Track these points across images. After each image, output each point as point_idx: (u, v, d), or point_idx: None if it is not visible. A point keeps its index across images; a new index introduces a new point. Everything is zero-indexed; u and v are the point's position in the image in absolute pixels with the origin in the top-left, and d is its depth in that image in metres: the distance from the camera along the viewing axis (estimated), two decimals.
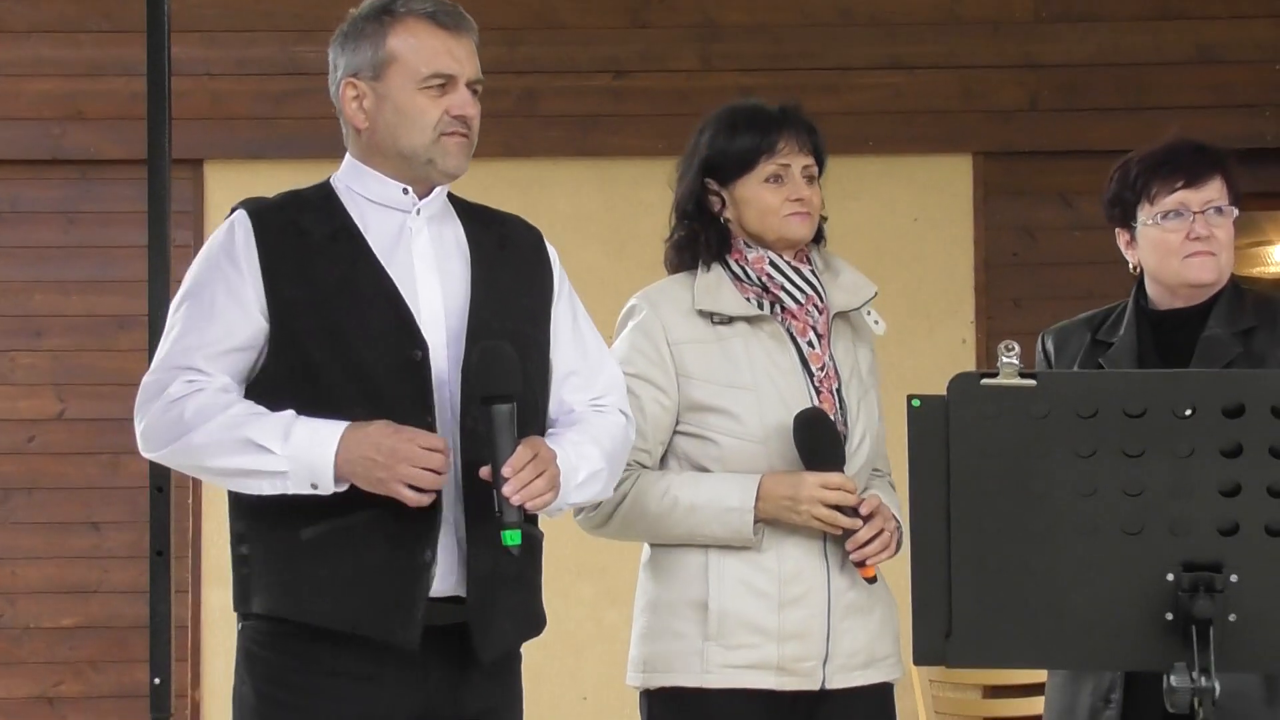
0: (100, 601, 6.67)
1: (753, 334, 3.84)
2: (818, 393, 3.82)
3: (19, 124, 6.73)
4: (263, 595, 3.34)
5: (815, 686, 3.76)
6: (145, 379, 3.36)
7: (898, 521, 3.81)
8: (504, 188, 6.67)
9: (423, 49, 3.38)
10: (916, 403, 2.75)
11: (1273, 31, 6.72)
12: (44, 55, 6.73)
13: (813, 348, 3.86)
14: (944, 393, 2.74)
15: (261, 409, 3.29)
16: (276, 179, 3.72)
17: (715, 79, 6.69)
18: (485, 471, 3.25)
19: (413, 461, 3.22)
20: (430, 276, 3.39)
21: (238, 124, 6.62)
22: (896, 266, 6.53)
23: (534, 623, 3.47)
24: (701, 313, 3.85)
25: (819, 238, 3.98)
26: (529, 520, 3.38)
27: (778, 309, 3.86)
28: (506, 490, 3.22)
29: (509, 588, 3.37)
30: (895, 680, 3.90)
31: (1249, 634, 2.68)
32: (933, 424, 2.73)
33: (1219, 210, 3.86)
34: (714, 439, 3.82)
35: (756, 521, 3.75)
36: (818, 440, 3.75)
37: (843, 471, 3.76)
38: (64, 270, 6.72)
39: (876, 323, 3.92)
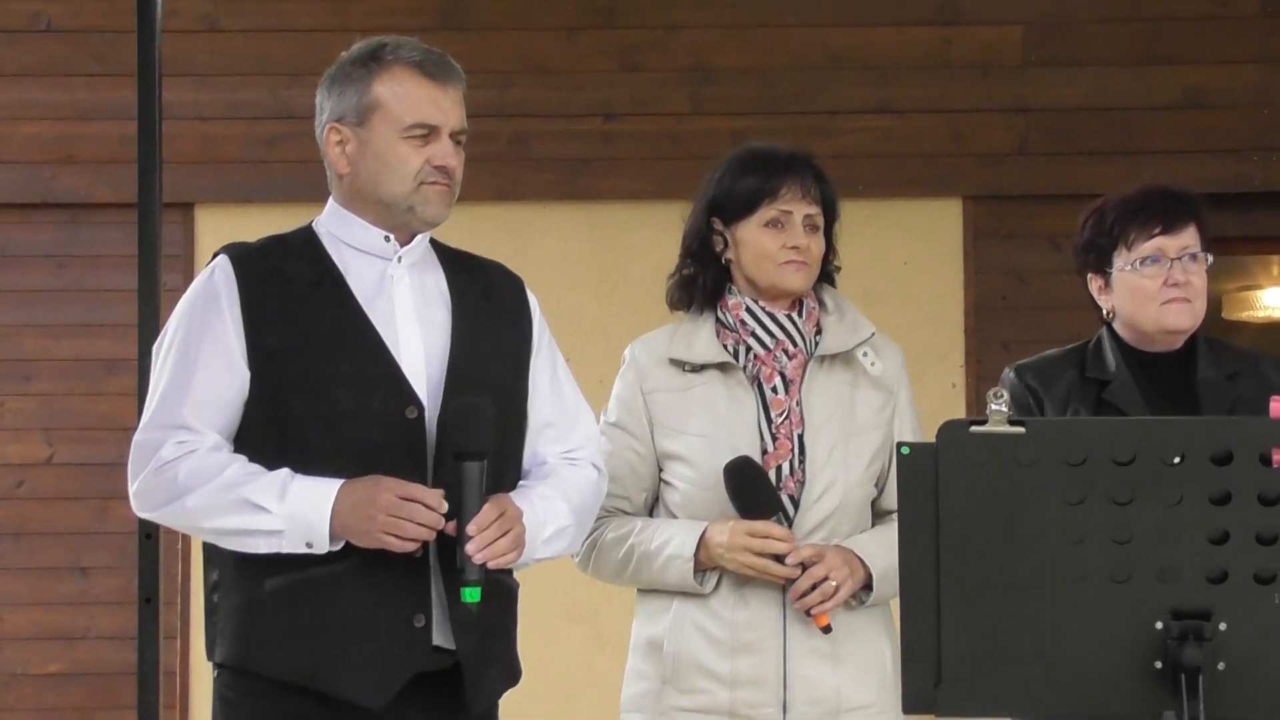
0: (88, 648, 6.65)
1: (721, 381, 3.86)
2: (774, 439, 3.83)
3: (9, 167, 6.73)
4: (225, 644, 3.34)
5: None
6: (137, 437, 3.35)
7: (867, 568, 3.79)
8: (494, 231, 6.68)
9: (408, 97, 3.38)
10: (906, 450, 2.75)
11: (1260, 76, 6.74)
12: (35, 98, 6.73)
13: (776, 393, 3.86)
14: (933, 439, 2.74)
15: (257, 468, 3.29)
16: (267, 222, 3.73)
17: (706, 122, 6.70)
18: (451, 527, 3.27)
19: (390, 511, 3.22)
20: (411, 325, 3.39)
21: (228, 167, 6.63)
22: (886, 310, 6.51)
23: (514, 672, 3.49)
24: (674, 361, 3.88)
25: (830, 281, 3.98)
26: (504, 572, 3.38)
27: (752, 355, 3.87)
28: (470, 548, 3.24)
29: (494, 637, 3.37)
30: None
31: (1238, 682, 2.67)
32: (922, 471, 2.73)
33: (1194, 257, 3.89)
34: (676, 485, 3.87)
35: (703, 569, 3.78)
36: (746, 488, 3.77)
37: (779, 518, 3.77)
38: (53, 314, 6.71)
39: (873, 364, 3.92)
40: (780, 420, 3.84)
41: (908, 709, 2.76)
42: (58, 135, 6.73)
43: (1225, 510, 2.67)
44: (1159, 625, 2.69)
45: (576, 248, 6.76)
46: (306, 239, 3.45)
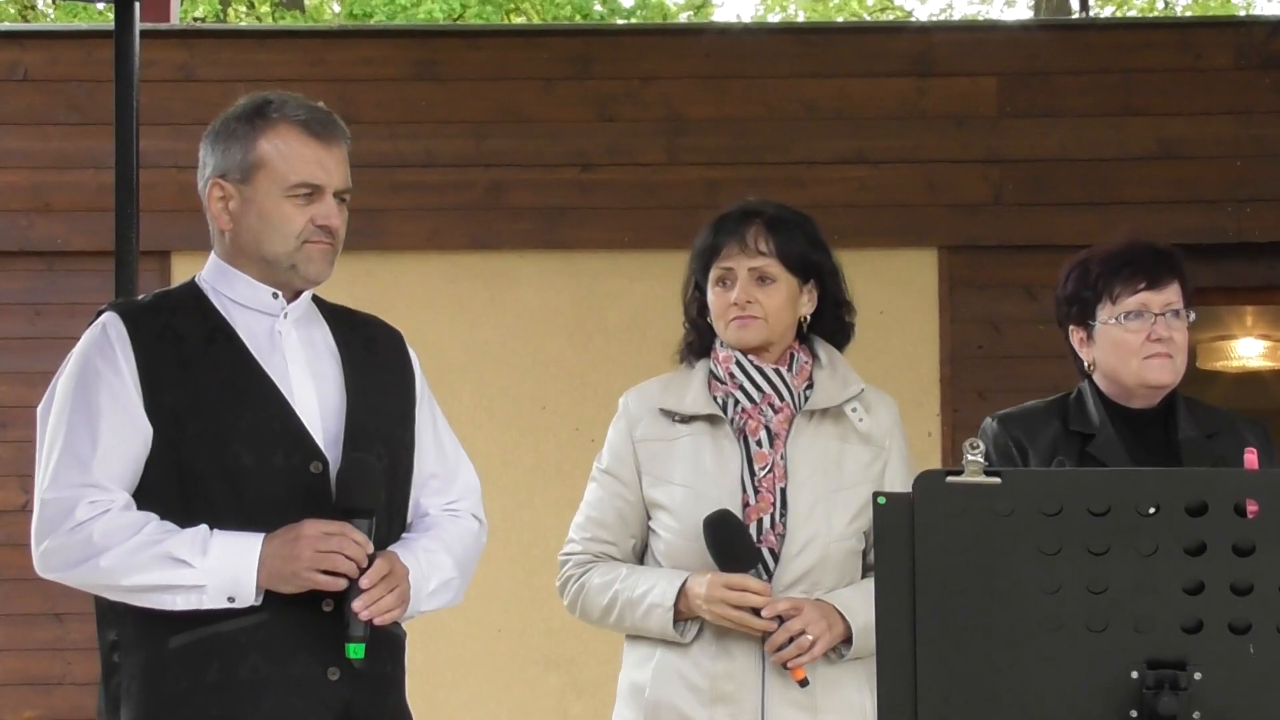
0: (63, 694, 6.63)
1: (708, 432, 3.88)
2: (756, 492, 3.84)
3: None
4: (130, 705, 3.30)
5: None
6: (44, 496, 3.30)
7: (847, 623, 3.80)
8: (470, 280, 6.70)
9: (292, 156, 3.37)
10: (882, 500, 2.76)
11: (1233, 128, 6.79)
12: (11, 147, 6.74)
13: (760, 446, 3.87)
14: (909, 490, 2.75)
15: (172, 525, 3.26)
16: None
17: (682, 172, 6.73)
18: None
19: (317, 547, 3.22)
20: (305, 380, 3.38)
21: (205, 216, 6.63)
22: (862, 359, 6.47)
23: None
24: (664, 411, 3.89)
25: (837, 338, 4.00)
26: (396, 623, 3.38)
27: (740, 407, 3.89)
28: (356, 605, 3.24)
29: (388, 688, 3.38)
30: None
31: None
32: (898, 522, 2.73)
33: (1177, 314, 3.91)
34: (661, 534, 3.89)
35: (683, 619, 3.80)
36: (723, 541, 3.78)
37: (756, 571, 3.77)
38: (30, 361, 6.70)
39: (861, 420, 3.92)
40: (763, 473, 3.85)
41: None
42: (34, 184, 6.73)
43: (1200, 560, 2.68)
44: (1134, 675, 2.69)
45: (553, 297, 6.77)
46: (193, 295, 3.43)
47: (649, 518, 3.91)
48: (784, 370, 3.92)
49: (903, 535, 2.71)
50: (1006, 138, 6.81)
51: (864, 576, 3.90)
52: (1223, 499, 2.67)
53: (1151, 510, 2.69)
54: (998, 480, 2.72)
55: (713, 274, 3.92)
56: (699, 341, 3.98)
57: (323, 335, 3.46)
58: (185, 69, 6.78)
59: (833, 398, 3.91)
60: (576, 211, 6.78)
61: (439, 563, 3.42)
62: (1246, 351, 9.57)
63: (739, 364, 3.91)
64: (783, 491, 3.85)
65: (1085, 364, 3.96)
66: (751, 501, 3.84)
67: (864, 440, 3.92)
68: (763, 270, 3.89)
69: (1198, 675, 2.68)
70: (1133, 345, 3.88)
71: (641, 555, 3.96)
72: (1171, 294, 3.91)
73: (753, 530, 3.81)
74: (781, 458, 3.87)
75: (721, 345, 3.94)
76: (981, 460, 2.72)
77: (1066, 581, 2.70)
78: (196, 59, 6.80)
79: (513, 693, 6.48)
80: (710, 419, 3.88)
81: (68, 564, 3.28)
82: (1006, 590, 2.71)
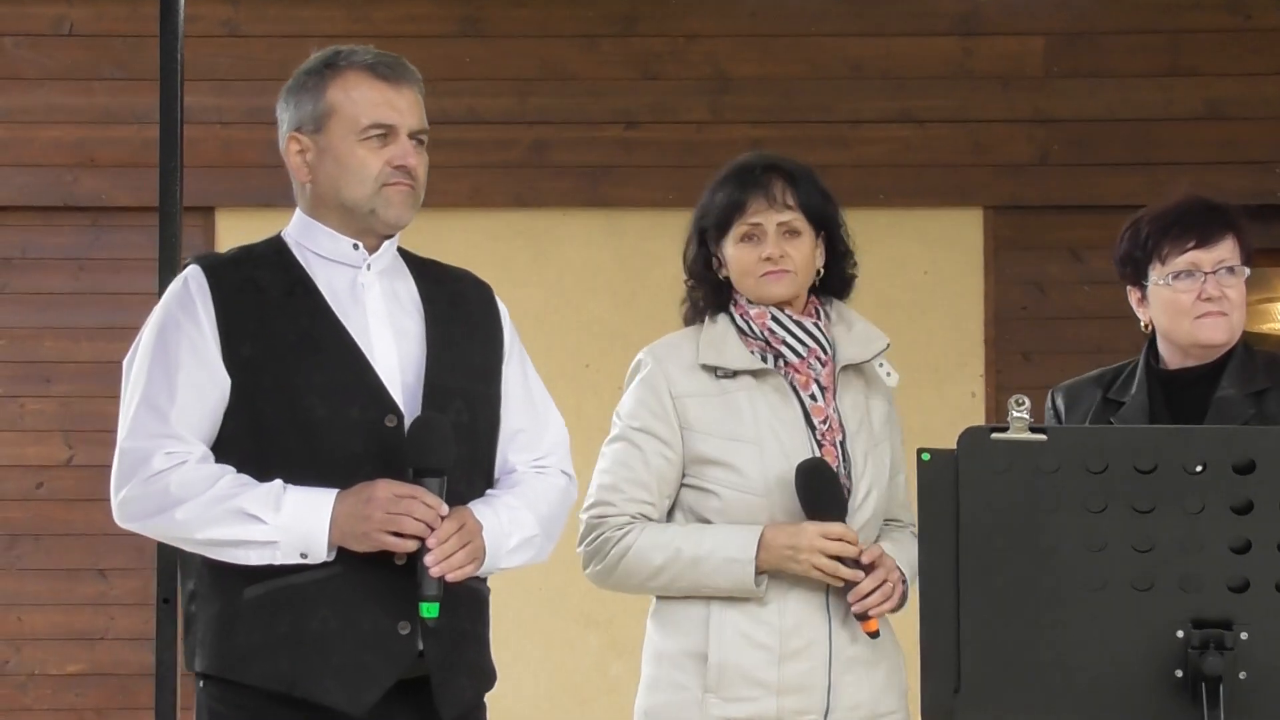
0: (106, 648, 6.66)
1: (756, 387, 3.84)
2: (820, 445, 3.82)
3: (31, 170, 6.74)
4: (205, 653, 3.33)
5: None
6: (123, 445, 3.34)
7: (903, 574, 3.80)
8: (514, 238, 6.69)
9: (361, 100, 3.38)
10: (926, 456, 2.75)
11: None
12: (56, 103, 6.75)
13: (815, 400, 3.85)
14: (953, 447, 2.74)
15: (248, 479, 3.28)
16: None
17: (725, 131, 6.70)
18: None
19: (388, 509, 3.22)
20: (385, 333, 3.38)
21: (249, 172, 6.64)
22: (906, 320, 6.53)
23: (489, 678, 3.47)
24: (705, 366, 3.86)
25: (843, 290, 3.97)
26: (478, 579, 3.39)
27: (781, 363, 3.86)
28: (427, 560, 3.24)
29: (465, 644, 3.37)
30: None
31: (1259, 692, 2.67)
32: (942, 478, 2.72)
33: (1230, 270, 3.85)
34: (716, 491, 3.83)
35: (759, 573, 3.75)
36: (819, 490, 3.75)
37: (844, 522, 3.75)
38: (74, 317, 6.73)
39: (889, 374, 3.91)
40: (824, 427, 3.84)
41: (927, 716, 2.76)
42: (79, 139, 6.74)
43: (1247, 519, 2.67)
44: (1180, 634, 2.68)
45: (595, 255, 6.76)
46: (276, 249, 3.44)
47: (685, 476, 3.87)
48: (820, 324, 3.91)
49: (947, 492, 2.71)
50: (1053, 98, 6.77)
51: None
52: (1271, 457, 2.66)
53: (1199, 468, 2.67)
54: (1043, 437, 2.71)
55: (737, 230, 3.87)
56: (712, 298, 3.93)
57: (407, 288, 3.46)
58: (230, 24, 6.78)
59: (862, 353, 3.89)
60: (620, 170, 6.77)
61: (521, 520, 3.41)
62: None
63: (775, 319, 3.89)
64: (841, 444, 3.84)
65: (1143, 324, 3.92)
66: (817, 455, 3.81)
67: (884, 396, 3.93)
68: (790, 224, 3.86)
69: (1244, 635, 2.67)
70: (1184, 305, 3.83)
71: (669, 516, 3.92)
72: (1224, 250, 3.85)
73: None
74: (835, 411, 3.86)
75: (747, 301, 3.90)
76: (1027, 417, 2.71)
77: (1112, 540, 2.69)
78: (241, 14, 6.79)
79: (552, 652, 6.49)
80: (756, 374, 3.85)
81: (144, 513, 3.32)
82: (1051, 548, 2.70)
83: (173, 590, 4.19)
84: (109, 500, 3.40)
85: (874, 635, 3.76)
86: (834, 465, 3.80)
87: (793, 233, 3.86)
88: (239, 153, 6.69)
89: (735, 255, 3.88)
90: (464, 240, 6.61)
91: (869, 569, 3.74)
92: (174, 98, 4.44)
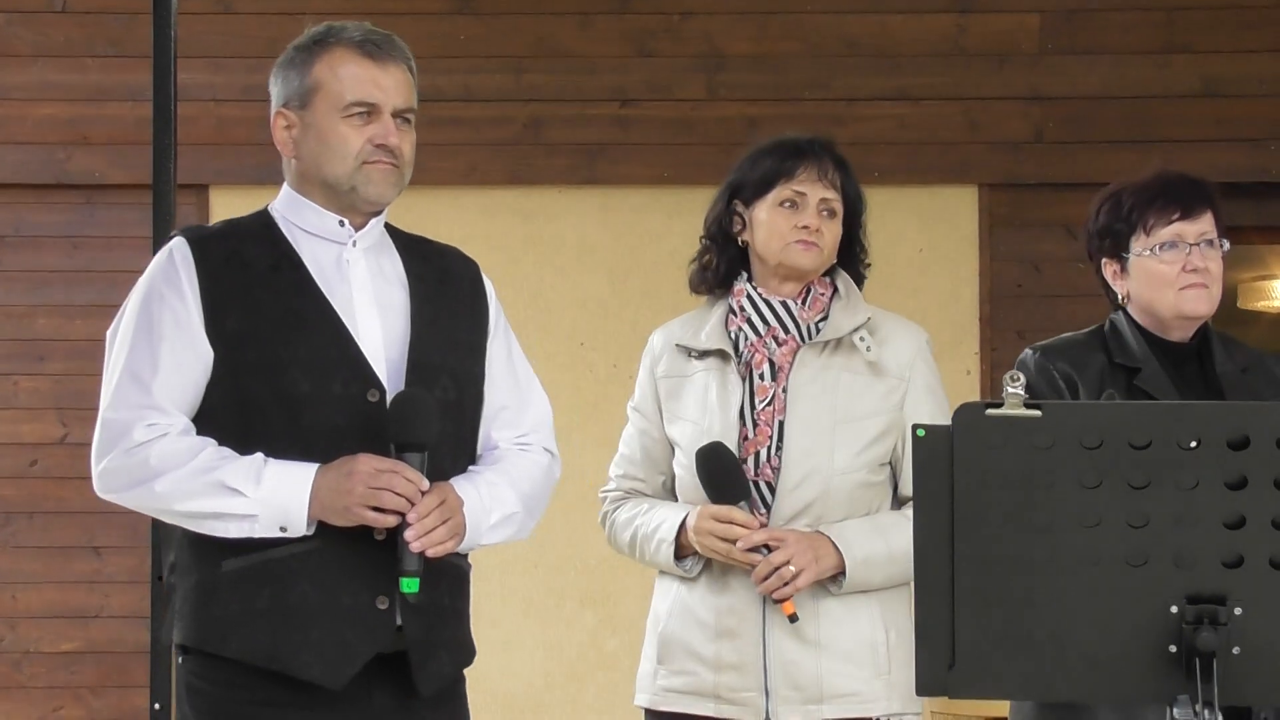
0: (101, 626, 6.66)
1: (718, 368, 3.89)
2: (755, 425, 3.83)
3: (24, 148, 6.73)
4: (183, 625, 3.34)
5: (759, 718, 3.78)
6: (104, 416, 3.34)
7: (841, 556, 3.77)
8: (509, 215, 6.68)
9: (346, 77, 3.39)
10: (921, 432, 2.74)
11: (1277, 65, 6.72)
12: (49, 80, 6.73)
13: (762, 380, 3.87)
14: (949, 423, 2.74)
15: (229, 452, 3.28)
16: None
17: (720, 109, 6.69)
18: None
19: (368, 483, 3.22)
20: (370, 309, 3.39)
21: (243, 150, 6.62)
22: (901, 297, 6.51)
23: (467, 653, 3.48)
24: (679, 347, 3.92)
25: (859, 281, 3.98)
26: (459, 555, 3.39)
27: (748, 341, 3.89)
28: (408, 536, 3.24)
29: (444, 619, 3.38)
30: (883, 716, 3.85)
31: (1252, 667, 2.67)
32: (937, 454, 2.72)
33: (1211, 243, 3.88)
34: (676, 471, 3.95)
35: (687, 554, 3.83)
36: (714, 473, 3.80)
37: (744, 504, 3.76)
38: (67, 295, 6.72)
39: (868, 349, 3.89)
40: (763, 406, 3.85)
41: (921, 691, 2.76)
42: (73, 116, 6.73)
43: (1241, 495, 2.67)
44: (1174, 609, 2.68)
45: (590, 233, 6.75)
46: (263, 223, 3.44)
47: (673, 454, 3.95)
48: (792, 303, 3.91)
49: (942, 467, 2.71)
50: (1048, 75, 6.76)
51: (898, 508, 3.89)
52: (1265, 433, 2.66)
53: (1193, 444, 2.67)
54: (1038, 413, 2.71)
55: (778, 194, 3.89)
56: (723, 265, 3.94)
57: (393, 264, 3.46)
58: (223, 1, 6.76)
59: (839, 329, 3.89)
60: (615, 148, 6.75)
61: (502, 496, 3.42)
62: None
63: (749, 296, 3.92)
64: (781, 424, 3.84)
65: (1119, 297, 3.93)
66: (750, 435, 3.84)
67: (876, 372, 3.90)
68: (831, 204, 3.91)
69: (1238, 610, 2.67)
70: (1168, 276, 3.84)
71: (672, 491, 3.97)
72: (1205, 223, 3.87)
73: (750, 464, 3.81)
74: (783, 390, 3.86)
75: (741, 277, 3.93)
76: (1022, 393, 2.71)
77: (1106, 515, 2.69)
78: None
79: (548, 629, 6.50)
80: (721, 354, 3.88)
81: (124, 485, 3.32)
82: (1046, 523, 2.70)
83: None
84: None
85: (792, 619, 3.76)
86: (765, 445, 3.81)
87: (831, 213, 3.91)
88: (233, 130, 6.68)
89: (769, 219, 3.89)
90: (459, 218, 6.60)
91: (767, 551, 3.75)
92: (167, 75, 4.44)
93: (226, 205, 6.63)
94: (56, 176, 6.74)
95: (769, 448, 3.82)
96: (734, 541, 3.74)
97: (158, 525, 4.13)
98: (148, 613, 4.25)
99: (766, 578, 3.74)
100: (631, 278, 6.66)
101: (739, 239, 3.94)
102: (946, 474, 2.71)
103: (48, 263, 6.74)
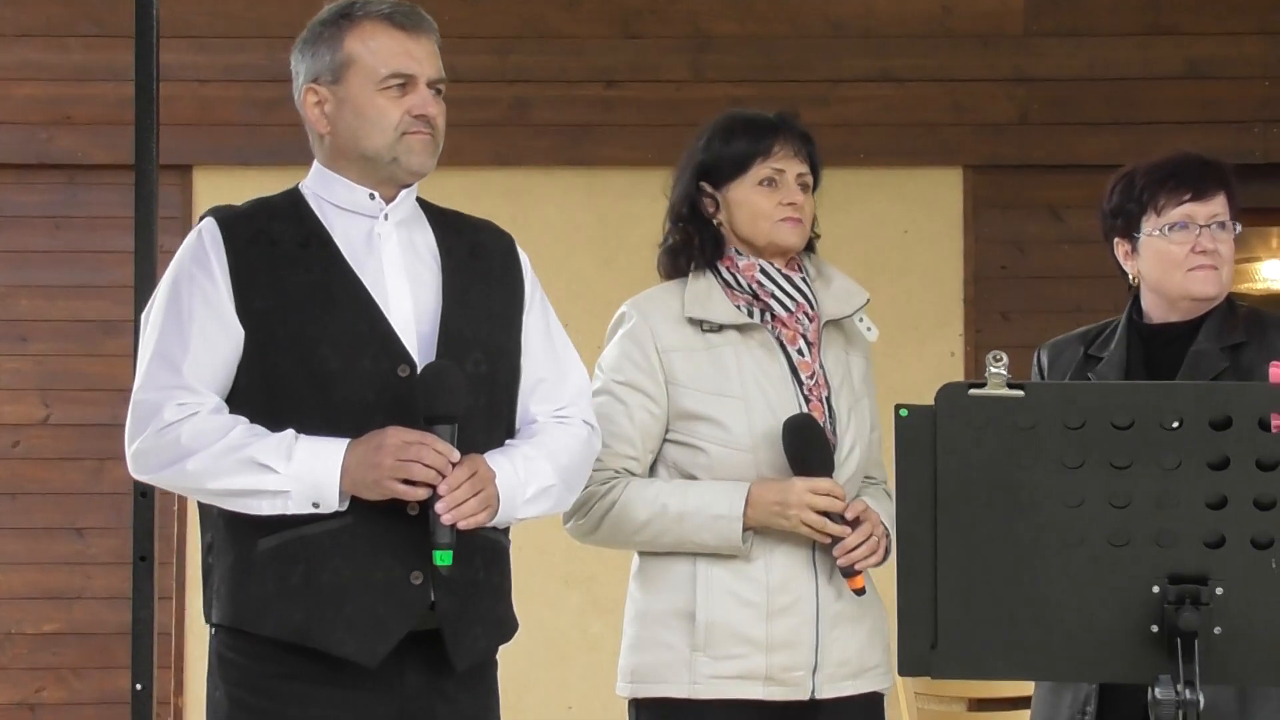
0: (83, 607, 6.65)
1: (742, 342, 3.83)
2: (807, 401, 3.81)
3: (6, 128, 6.72)
4: (220, 605, 3.34)
5: (805, 696, 3.76)
6: (136, 397, 3.33)
7: (886, 529, 3.80)
8: (494, 196, 6.67)
9: (380, 50, 3.37)
10: (904, 412, 2.74)
11: (1261, 48, 6.73)
12: (32, 59, 6.72)
13: (802, 356, 3.85)
14: (932, 403, 2.74)
15: (260, 429, 3.27)
16: (265, 185, 3.71)
17: (706, 90, 6.69)
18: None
19: (398, 455, 3.21)
20: (401, 283, 3.37)
21: (226, 130, 6.61)
22: (886, 279, 6.52)
23: (505, 629, 3.46)
24: (691, 320, 3.84)
25: (810, 248, 3.97)
26: (497, 530, 3.38)
27: (768, 317, 3.86)
28: (439, 508, 3.22)
29: (479, 594, 3.36)
30: (885, 690, 3.89)
31: (1233, 647, 2.67)
32: (920, 434, 2.72)
33: (1222, 225, 3.86)
34: (702, 447, 3.81)
35: (746, 529, 3.75)
36: (806, 446, 3.74)
37: (831, 478, 3.75)
38: (50, 275, 6.71)
39: (869, 329, 3.90)
40: (811, 383, 3.83)
41: (904, 670, 2.76)
42: (55, 96, 6.71)
43: (1223, 475, 2.67)
44: (1156, 589, 2.69)
45: (575, 214, 6.75)
46: (292, 201, 3.44)
47: (669, 430, 3.86)
48: (806, 278, 3.91)
49: (925, 447, 2.71)
50: (1033, 57, 6.76)
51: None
52: (1247, 413, 2.66)
53: (1175, 424, 2.67)
54: (1020, 393, 2.71)
55: (757, 173, 3.86)
56: (700, 245, 3.92)
57: (425, 239, 3.45)
58: None
59: (843, 309, 3.89)
60: (600, 129, 6.75)
61: (538, 469, 3.39)
62: (1271, 274, 9.52)
63: (764, 272, 3.88)
64: (827, 400, 3.84)
65: (1130, 277, 3.92)
66: (804, 410, 3.81)
67: (862, 352, 3.93)
68: (805, 178, 3.89)
69: (1219, 590, 2.68)
70: (1177, 257, 3.83)
71: (652, 470, 3.91)
72: (1217, 205, 3.86)
73: None
74: (820, 367, 3.85)
75: (740, 253, 3.89)
76: (1004, 373, 2.71)
77: (1089, 495, 2.69)
78: None
79: (533, 610, 6.48)
80: (741, 328, 3.84)
81: (157, 465, 3.31)
82: (1028, 503, 2.70)
83: (149, 549, 4.19)
84: (86, 459, 3.39)
85: (860, 592, 3.75)
86: (820, 421, 3.80)
87: (805, 186, 3.89)
88: (216, 110, 6.66)
89: (750, 199, 3.86)
90: (443, 199, 6.54)
91: (855, 524, 3.74)
92: (150, 54, 4.42)
93: (210, 185, 6.62)
94: (39, 156, 6.73)
95: (824, 423, 3.81)
96: (830, 514, 3.71)
97: (140, 507, 4.12)
98: (130, 593, 4.24)
99: (853, 549, 3.72)
100: (616, 259, 6.66)
101: (714, 220, 3.91)
102: (929, 454, 2.71)
103: (30, 243, 6.73)
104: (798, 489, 3.72)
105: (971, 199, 6.75)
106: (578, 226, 6.74)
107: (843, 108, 6.66)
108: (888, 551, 3.79)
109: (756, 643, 3.75)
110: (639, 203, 6.65)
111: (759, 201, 3.86)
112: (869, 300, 3.93)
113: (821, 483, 3.72)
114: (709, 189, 3.88)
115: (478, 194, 6.70)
